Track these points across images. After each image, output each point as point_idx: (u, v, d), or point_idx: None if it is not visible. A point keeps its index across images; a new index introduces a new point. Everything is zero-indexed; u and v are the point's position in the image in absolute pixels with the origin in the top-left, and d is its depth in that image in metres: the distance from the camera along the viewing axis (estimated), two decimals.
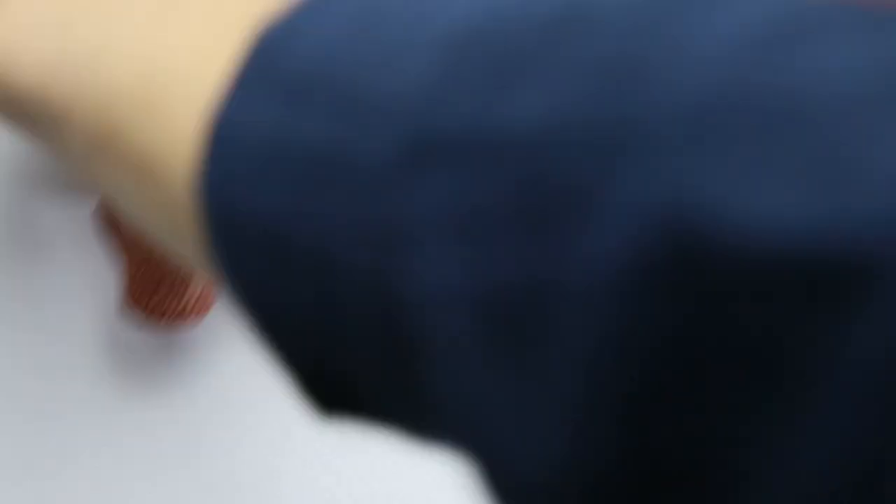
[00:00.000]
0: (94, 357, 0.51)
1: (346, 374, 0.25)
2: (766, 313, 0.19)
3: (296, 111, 0.24)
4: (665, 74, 0.20)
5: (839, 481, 0.18)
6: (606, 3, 0.23)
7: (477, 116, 0.22)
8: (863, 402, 0.18)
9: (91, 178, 0.31)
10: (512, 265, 0.21)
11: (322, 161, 0.24)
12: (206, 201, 0.26)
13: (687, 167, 0.19)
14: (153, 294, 0.48)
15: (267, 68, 0.25)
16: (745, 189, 0.19)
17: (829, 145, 0.18)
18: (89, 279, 0.51)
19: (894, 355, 0.17)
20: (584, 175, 0.20)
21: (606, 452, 0.20)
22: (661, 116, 0.20)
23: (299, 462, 0.53)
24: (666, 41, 0.21)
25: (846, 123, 0.19)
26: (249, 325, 0.27)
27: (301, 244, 0.24)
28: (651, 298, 0.19)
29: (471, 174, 0.21)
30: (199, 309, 0.49)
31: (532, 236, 0.21)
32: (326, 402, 0.26)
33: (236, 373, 0.53)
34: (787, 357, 0.18)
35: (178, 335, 0.52)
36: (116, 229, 0.49)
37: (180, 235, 0.28)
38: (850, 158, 0.18)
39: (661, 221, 0.19)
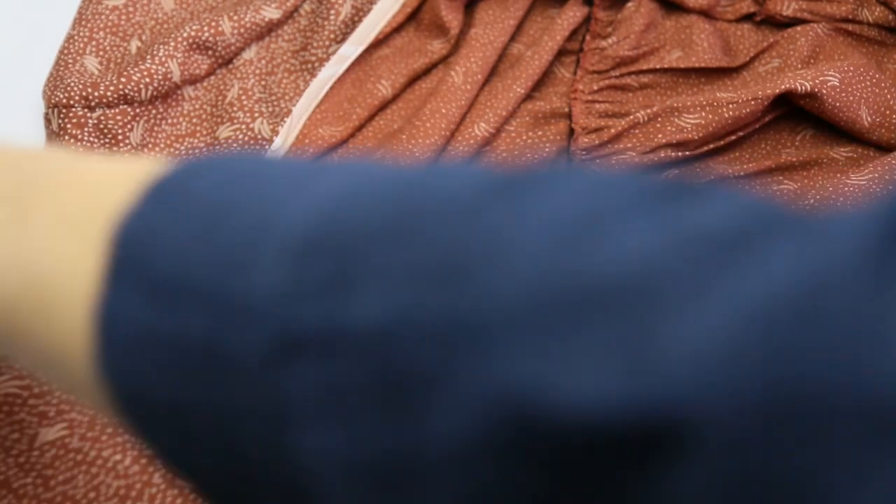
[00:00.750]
0: None
1: None
2: (596, 471, 0.23)
3: (164, 308, 0.27)
4: (486, 273, 0.24)
5: None
6: (434, 197, 0.27)
7: (327, 317, 0.25)
8: None
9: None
10: (380, 438, 0.25)
11: (198, 353, 0.27)
12: (107, 388, 0.28)
13: (517, 360, 0.23)
14: None
15: (131, 269, 0.28)
16: (565, 374, 0.23)
17: (630, 330, 0.23)
18: None
19: (719, 494, 0.22)
20: (425, 365, 0.24)
21: None
22: (485, 314, 0.24)
23: None
24: (485, 237, 0.25)
25: (645, 308, 0.23)
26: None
27: (200, 421, 0.27)
28: (500, 466, 0.24)
29: (329, 365, 0.25)
30: None
31: (389, 414, 0.25)
32: None
33: None
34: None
35: None
36: None
37: (95, 405, 0.31)
38: (648, 341, 0.23)
39: (501, 406, 0.23)
